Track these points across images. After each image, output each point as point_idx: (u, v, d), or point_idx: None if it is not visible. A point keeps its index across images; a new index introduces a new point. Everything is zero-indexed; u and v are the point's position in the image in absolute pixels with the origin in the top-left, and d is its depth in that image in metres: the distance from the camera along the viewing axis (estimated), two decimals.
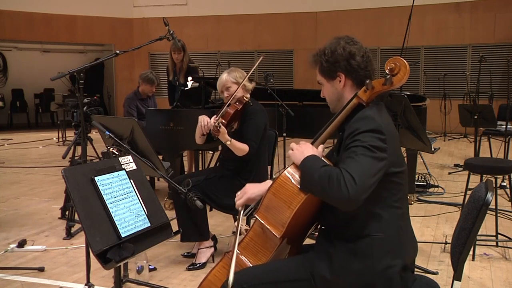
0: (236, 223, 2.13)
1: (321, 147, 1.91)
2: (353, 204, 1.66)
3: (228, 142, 3.30)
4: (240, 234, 1.96)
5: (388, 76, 1.84)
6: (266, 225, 1.88)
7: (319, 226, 2.01)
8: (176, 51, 5.67)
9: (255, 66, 3.56)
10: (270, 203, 1.88)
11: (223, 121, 3.35)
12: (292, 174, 1.86)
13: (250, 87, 3.56)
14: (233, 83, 3.48)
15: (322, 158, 1.84)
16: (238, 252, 1.97)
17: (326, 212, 1.91)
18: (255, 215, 1.93)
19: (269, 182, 2.15)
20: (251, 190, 2.11)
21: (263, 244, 1.96)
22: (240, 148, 3.35)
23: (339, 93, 1.95)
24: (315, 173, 1.73)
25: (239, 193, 2.13)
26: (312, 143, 1.93)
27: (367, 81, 1.84)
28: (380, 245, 1.80)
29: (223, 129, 3.25)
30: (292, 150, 1.89)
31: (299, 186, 1.81)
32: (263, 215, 1.90)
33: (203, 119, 3.40)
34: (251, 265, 1.95)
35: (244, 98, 3.47)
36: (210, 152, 6.31)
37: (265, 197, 1.90)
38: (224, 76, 3.50)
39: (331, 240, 1.87)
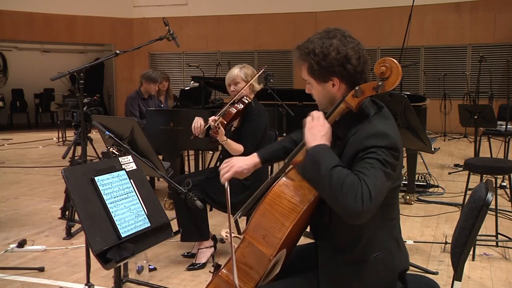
0: (227, 204, 1.95)
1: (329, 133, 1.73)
2: (362, 218, 1.53)
3: (224, 142, 3.31)
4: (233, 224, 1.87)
5: (380, 83, 1.68)
6: (257, 246, 1.76)
7: (318, 246, 1.90)
8: (165, 79, 6.22)
9: (256, 76, 3.53)
10: (259, 224, 1.75)
11: (224, 121, 3.35)
12: (282, 192, 1.74)
13: (257, 88, 3.57)
14: (243, 79, 3.48)
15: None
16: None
17: (328, 235, 1.82)
18: (244, 235, 1.81)
19: (255, 156, 2.08)
20: (239, 163, 2.01)
21: (253, 264, 1.82)
22: (235, 148, 3.36)
23: (332, 96, 1.77)
24: (325, 174, 1.57)
25: (224, 165, 2.01)
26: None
27: (357, 88, 1.68)
28: (385, 262, 1.76)
29: (221, 130, 3.26)
30: (311, 120, 1.72)
31: (291, 204, 1.70)
32: (252, 235, 1.77)
33: (196, 122, 3.44)
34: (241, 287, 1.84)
35: (248, 98, 3.48)
36: (210, 152, 6.31)
37: (253, 217, 1.76)
38: (236, 71, 3.49)
39: (336, 264, 1.79)
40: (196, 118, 3.51)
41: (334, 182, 1.54)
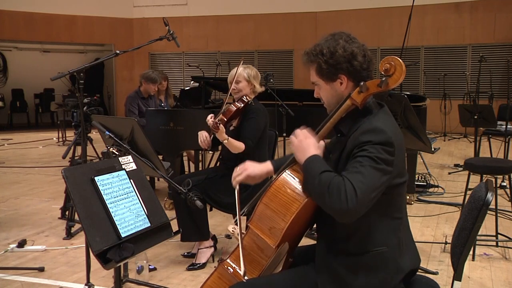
0: (237, 202, 1.99)
1: (321, 143, 1.82)
2: (350, 217, 1.59)
3: (225, 141, 3.30)
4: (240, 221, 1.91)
5: (384, 78, 1.74)
6: (260, 235, 1.80)
7: (317, 237, 1.94)
8: (163, 79, 6.23)
9: (237, 68, 3.48)
10: (263, 213, 1.80)
11: (224, 118, 3.35)
12: (285, 182, 1.78)
13: (258, 89, 3.56)
14: (245, 79, 3.48)
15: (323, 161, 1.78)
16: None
17: (326, 225, 1.84)
18: (248, 224, 1.85)
19: (269, 164, 2.08)
20: (251, 168, 2.00)
21: (258, 253, 1.88)
22: (237, 146, 3.36)
23: (340, 95, 1.82)
24: (315, 177, 1.65)
25: (238, 168, 2.01)
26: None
27: (361, 83, 1.74)
28: (383, 259, 1.76)
29: (222, 127, 3.25)
30: (296, 139, 1.80)
31: (294, 193, 1.75)
32: (257, 225, 1.82)
33: (201, 135, 3.42)
34: (246, 277, 1.87)
35: (248, 97, 3.48)
36: (210, 152, 6.31)
37: (258, 206, 1.82)
38: (239, 70, 3.47)
39: (333, 255, 1.81)
40: (199, 132, 3.48)
41: (322, 185, 1.62)
